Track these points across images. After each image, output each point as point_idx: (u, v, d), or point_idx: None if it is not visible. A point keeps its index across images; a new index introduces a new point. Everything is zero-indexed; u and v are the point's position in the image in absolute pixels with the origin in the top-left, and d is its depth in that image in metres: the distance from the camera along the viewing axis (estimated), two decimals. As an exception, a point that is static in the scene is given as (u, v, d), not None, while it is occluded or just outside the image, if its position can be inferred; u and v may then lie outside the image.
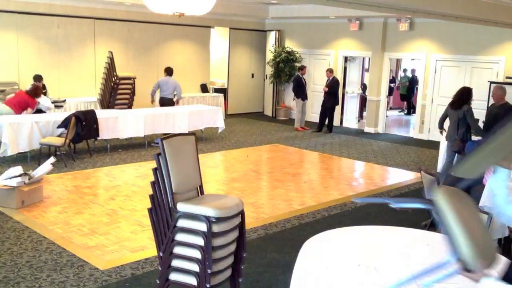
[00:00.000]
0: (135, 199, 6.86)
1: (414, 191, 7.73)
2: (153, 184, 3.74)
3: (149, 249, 5.13)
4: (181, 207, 3.65)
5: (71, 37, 11.69)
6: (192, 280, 3.63)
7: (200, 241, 3.57)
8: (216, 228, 3.57)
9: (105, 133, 9.41)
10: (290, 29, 15.03)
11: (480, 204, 5.38)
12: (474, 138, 7.88)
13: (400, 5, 7.33)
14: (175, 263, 3.71)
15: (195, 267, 3.61)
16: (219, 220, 3.57)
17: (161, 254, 3.76)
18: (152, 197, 3.75)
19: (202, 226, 3.55)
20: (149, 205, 3.79)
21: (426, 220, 5.93)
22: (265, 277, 4.65)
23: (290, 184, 7.91)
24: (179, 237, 3.68)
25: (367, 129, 13.46)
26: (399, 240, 3.57)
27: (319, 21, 14.03)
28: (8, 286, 4.30)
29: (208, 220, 3.53)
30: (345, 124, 14.34)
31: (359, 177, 8.97)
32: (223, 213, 3.60)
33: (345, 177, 8.70)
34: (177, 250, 3.69)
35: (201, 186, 3.99)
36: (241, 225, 3.86)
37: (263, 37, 15.55)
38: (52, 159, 6.94)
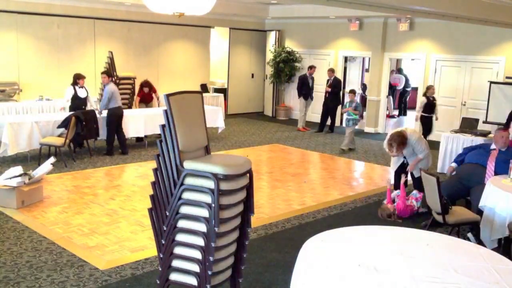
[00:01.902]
0: (135, 199, 6.86)
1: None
2: (153, 184, 3.73)
3: (149, 249, 5.13)
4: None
5: (71, 37, 11.69)
6: (193, 280, 3.62)
7: (200, 241, 3.55)
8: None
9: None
10: (290, 29, 15.03)
11: (480, 204, 5.38)
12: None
13: (400, 5, 7.32)
14: (176, 263, 3.70)
15: (195, 268, 3.60)
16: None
17: (161, 255, 3.75)
18: (152, 197, 3.74)
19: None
20: (149, 205, 3.78)
21: (426, 220, 5.93)
22: (265, 277, 4.65)
23: (290, 184, 7.91)
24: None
25: (367, 129, 13.45)
26: (399, 240, 3.57)
27: (319, 21, 14.03)
28: (8, 286, 4.30)
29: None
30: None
31: (359, 177, 8.97)
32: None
33: (345, 177, 8.70)
34: (178, 250, 3.68)
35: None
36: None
37: (263, 37, 15.55)
38: (52, 159, 6.94)
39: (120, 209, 6.43)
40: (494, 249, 4.38)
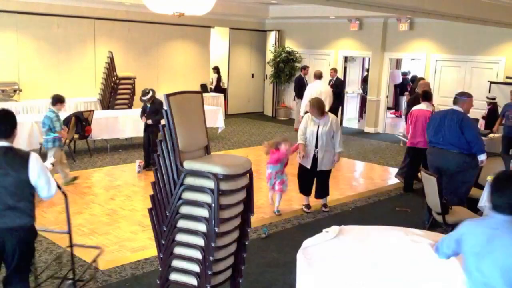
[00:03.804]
0: (135, 199, 6.86)
1: (414, 191, 7.72)
2: (153, 184, 3.73)
3: (149, 249, 5.13)
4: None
5: (71, 37, 11.68)
6: (193, 281, 3.62)
7: (200, 241, 3.55)
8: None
9: (105, 133, 9.42)
10: (290, 29, 15.03)
11: (480, 204, 5.38)
12: None
13: (400, 5, 7.32)
14: (176, 263, 3.70)
15: (195, 268, 3.60)
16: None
17: (161, 256, 3.74)
18: (152, 197, 3.74)
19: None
20: (149, 205, 3.78)
21: (427, 220, 5.92)
22: (265, 277, 4.65)
23: (290, 184, 7.91)
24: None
25: (367, 129, 13.45)
26: (399, 239, 3.57)
27: (319, 21, 14.02)
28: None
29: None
30: (345, 124, 14.32)
31: (359, 177, 8.97)
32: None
33: (345, 177, 8.70)
34: (178, 250, 3.67)
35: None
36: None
37: (263, 37, 15.54)
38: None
39: (120, 209, 6.42)
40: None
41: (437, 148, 5.97)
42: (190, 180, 3.56)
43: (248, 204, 3.84)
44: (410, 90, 12.15)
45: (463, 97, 5.95)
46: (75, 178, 7.62)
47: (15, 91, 10.51)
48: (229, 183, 3.53)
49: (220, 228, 3.48)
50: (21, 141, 8.34)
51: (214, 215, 3.45)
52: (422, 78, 10.86)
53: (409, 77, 16.67)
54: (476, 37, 11.41)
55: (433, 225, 5.53)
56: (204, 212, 3.52)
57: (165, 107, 3.58)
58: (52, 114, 7.08)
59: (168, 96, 3.55)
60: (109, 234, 5.59)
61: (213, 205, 3.45)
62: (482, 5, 8.11)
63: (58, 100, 7.18)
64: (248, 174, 3.75)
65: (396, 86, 17.01)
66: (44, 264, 4.75)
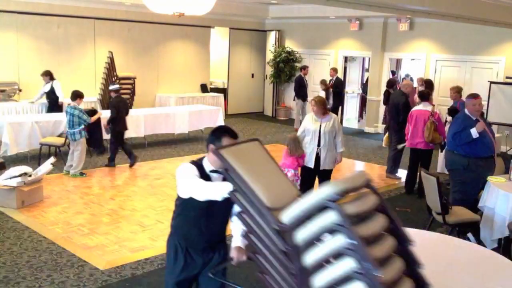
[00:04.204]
0: (135, 199, 6.86)
1: (414, 191, 7.72)
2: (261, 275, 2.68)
3: (149, 249, 5.14)
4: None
5: (71, 37, 11.69)
6: None
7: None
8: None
9: (104, 133, 9.40)
10: (290, 29, 15.03)
11: (480, 204, 5.38)
12: None
13: (400, 5, 7.32)
14: None
15: None
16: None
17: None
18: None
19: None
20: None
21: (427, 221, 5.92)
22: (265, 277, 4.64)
23: (290, 184, 7.91)
24: None
25: (367, 129, 13.45)
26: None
27: (319, 21, 14.03)
28: (8, 286, 4.30)
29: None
30: (345, 124, 14.33)
31: (359, 177, 8.95)
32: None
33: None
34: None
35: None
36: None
37: (263, 37, 15.54)
38: (52, 159, 6.95)
39: (120, 209, 6.42)
40: (494, 249, 4.38)
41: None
42: (303, 233, 2.27)
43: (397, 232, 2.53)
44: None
45: (466, 99, 5.88)
46: (82, 174, 7.87)
47: (14, 92, 10.52)
48: (355, 204, 2.28)
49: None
50: (21, 141, 8.35)
51: (362, 253, 2.09)
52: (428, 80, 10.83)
53: (399, 76, 16.65)
54: (476, 37, 11.41)
55: (433, 225, 5.53)
56: (349, 262, 2.15)
57: (223, 165, 2.52)
58: (75, 110, 7.56)
59: (218, 149, 2.56)
60: (109, 234, 5.59)
61: (353, 241, 2.11)
62: (482, 5, 8.11)
63: (77, 96, 7.71)
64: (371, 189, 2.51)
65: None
66: (44, 264, 4.75)
